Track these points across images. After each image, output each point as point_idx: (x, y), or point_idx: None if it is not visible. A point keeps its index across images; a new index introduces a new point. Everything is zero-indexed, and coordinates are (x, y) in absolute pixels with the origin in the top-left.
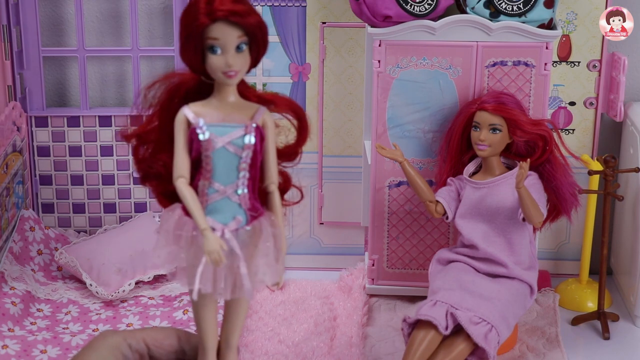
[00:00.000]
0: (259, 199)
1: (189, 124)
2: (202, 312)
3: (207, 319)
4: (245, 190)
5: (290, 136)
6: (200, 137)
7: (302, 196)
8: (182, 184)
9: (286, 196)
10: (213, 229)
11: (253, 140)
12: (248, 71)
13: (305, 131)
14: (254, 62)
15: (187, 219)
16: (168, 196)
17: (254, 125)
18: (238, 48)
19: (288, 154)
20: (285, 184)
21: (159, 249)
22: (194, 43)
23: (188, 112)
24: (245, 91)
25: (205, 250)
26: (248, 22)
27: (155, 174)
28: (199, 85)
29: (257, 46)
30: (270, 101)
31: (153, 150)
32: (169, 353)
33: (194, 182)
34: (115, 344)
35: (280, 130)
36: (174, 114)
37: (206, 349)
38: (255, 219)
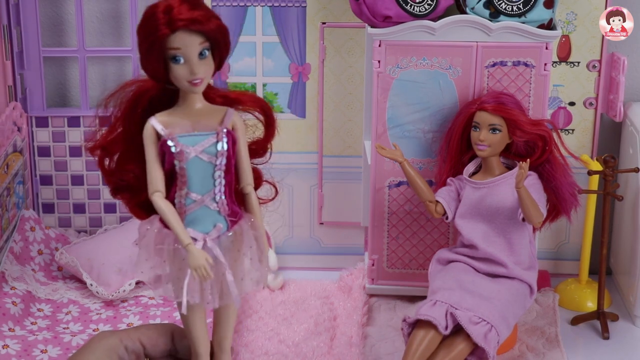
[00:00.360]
0: (236, 200)
1: (157, 135)
2: (191, 319)
3: (196, 325)
4: (223, 197)
5: (258, 132)
6: (172, 149)
7: (277, 191)
8: (158, 199)
9: (261, 193)
10: (195, 240)
11: (225, 146)
12: (212, 75)
13: (272, 126)
14: (218, 66)
15: (167, 232)
16: (142, 207)
17: (225, 130)
18: (201, 54)
19: (257, 150)
20: (257, 181)
21: (141, 263)
22: (156, 54)
23: (156, 123)
24: (209, 92)
25: (190, 266)
26: (209, 28)
27: (127, 186)
28: (162, 91)
29: (219, 50)
30: (235, 100)
31: (120, 161)
32: (164, 351)
33: (169, 195)
34: (111, 346)
35: (247, 128)
36: (138, 122)
37: (199, 355)
38: (235, 223)
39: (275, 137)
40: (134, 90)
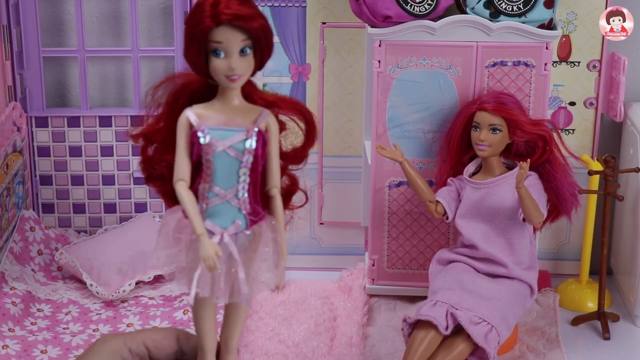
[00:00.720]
0: (262, 202)
1: (191, 126)
2: (200, 314)
3: (205, 320)
4: (246, 195)
5: (298, 139)
6: (201, 140)
7: (307, 199)
8: (181, 187)
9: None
10: (212, 233)
11: (254, 144)
12: (253, 74)
13: (313, 134)
14: (259, 66)
15: (186, 222)
16: (173, 197)
17: (256, 129)
18: (242, 52)
19: (295, 157)
20: (292, 187)
21: (158, 250)
22: (198, 46)
23: (190, 114)
24: (252, 93)
25: (200, 256)
26: (252, 26)
27: (159, 175)
28: (204, 86)
29: (261, 50)
30: (273, 103)
31: (158, 151)
32: (169, 355)
33: (194, 186)
34: (116, 348)
35: (287, 132)
36: (179, 115)
37: (205, 351)
38: (255, 223)
39: (314, 144)
40: (178, 83)
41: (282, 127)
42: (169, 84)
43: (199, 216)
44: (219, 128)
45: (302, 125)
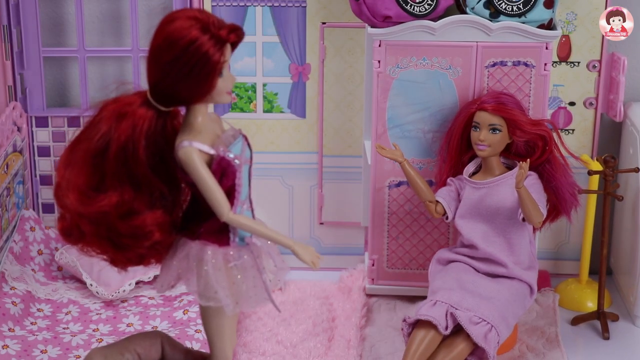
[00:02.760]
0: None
1: (206, 156)
2: (226, 326)
3: (230, 331)
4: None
5: None
6: (235, 162)
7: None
8: (238, 217)
9: None
10: (247, 244)
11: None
12: None
13: None
14: None
15: (229, 250)
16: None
17: (239, 130)
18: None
19: None
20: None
21: (218, 289)
22: (204, 69)
23: (199, 145)
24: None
25: (307, 261)
26: (242, 39)
27: (123, 244)
28: (155, 118)
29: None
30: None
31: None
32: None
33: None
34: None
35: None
36: (130, 153)
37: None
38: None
39: None
40: (125, 128)
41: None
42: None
43: (275, 232)
44: (232, 144)
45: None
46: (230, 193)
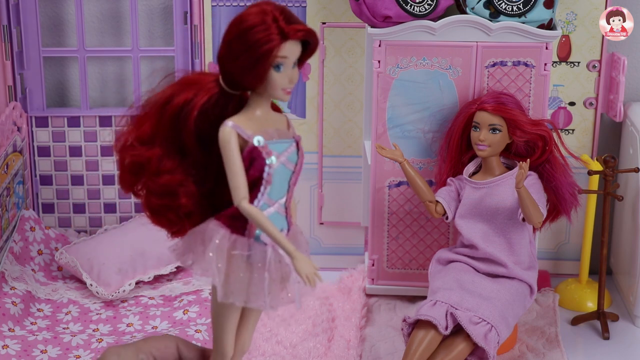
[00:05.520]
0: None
1: (242, 141)
2: (229, 320)
3: (232, 326)
4: (286, 200)
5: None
6: (265, 155)
7: None
8: (251, 207)
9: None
10: (265, 244)
11: (301, 153)
12: None
13: None
14: None
15: (240, 239)
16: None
17: (299, 136)
18: (294, 64)
19: None
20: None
21: (212, 269)
22: (259, 59)
23: (240, 129)
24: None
25: (300, 273)
26: (316, 42)
27: (165, 206)
28: (217, 98)
29: (302, 61)
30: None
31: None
32: None
33: (250, 200)
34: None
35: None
36: (181, 127)
37: (226, 356)
38: (290, 224)
39: None
40: (188, 96)
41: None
42: (169, 92)
43: (283, 235)
44: (275, 141)
45: None
46: (256, 185)
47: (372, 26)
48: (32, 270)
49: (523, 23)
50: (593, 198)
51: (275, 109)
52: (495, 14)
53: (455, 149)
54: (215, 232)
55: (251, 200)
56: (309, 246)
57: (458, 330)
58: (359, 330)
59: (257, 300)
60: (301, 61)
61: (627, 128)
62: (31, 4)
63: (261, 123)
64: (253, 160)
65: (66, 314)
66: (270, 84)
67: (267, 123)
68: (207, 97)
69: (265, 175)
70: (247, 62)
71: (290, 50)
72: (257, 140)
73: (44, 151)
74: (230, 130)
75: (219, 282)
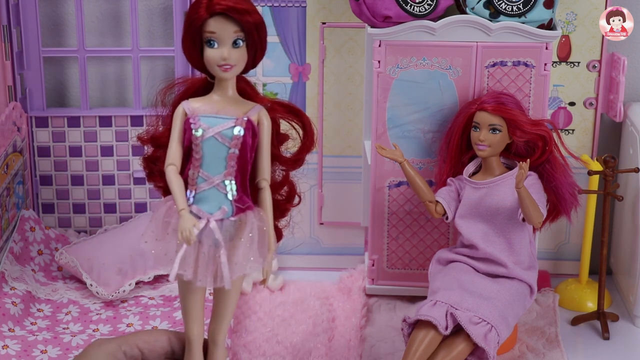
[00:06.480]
0: (253, 197)
1: (185, 115)
2: (186, 301)
3: (192, 307)
4: (233, 182)
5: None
6: (192, 126)
7: (300, 200)
8: (170, 171)
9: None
10: (199, 217)
11: (242, 132)
12: (246, 71)
13: (310, 139)
14: (252, 62)
15: (171, 204)
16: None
17: (245, 118)
18: (234, 43)
19: (293, 161)
20: (291, 192)
21: (147, 234)
22: (192, 36)
23: (186, 105)
24: (252, 93)
25: (178, 228)
26: (245, 19)
27: (159, 171)
28: (205, 86)
29: (254, 45)
30: (271, 107)
31: (159, 151)
32: (160, 355)
33: (184, 172)
34: (110, 352)
35: (288, 140)
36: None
37: (191, 341)
38: (242, 211)
39: (311, 150)
40: (181, 89)
41: (285, 137)
42: (174, 88)
43: (183, 194)
44: (210, 115)
45: (299, 130)
46: (188, 155)
47: (372, 26)
48: (32, 270)
49: (523, 23)
50: (593, 198)
51: (260, 100)
52: (495, 14)
53: (455, 149)
54: (161, 204)
55: (187, 170)
56: (309, 247)
57: (458, 330)
58: (359, 330)
59: (204, 277)
60: (251, 44)
61: (627, 128)
62: (31, 4)
63: (210, 102)
64: (186, 131)
65: (66, 314)
66: (206, 60)
67: (217, 103)
68: (189, 84)
69: (193, 146)
70: (186, 42)
71: (219, 26)
72: (189, 109)
73: (44, 151)
74: (180, 107)
75: (150, 238)
